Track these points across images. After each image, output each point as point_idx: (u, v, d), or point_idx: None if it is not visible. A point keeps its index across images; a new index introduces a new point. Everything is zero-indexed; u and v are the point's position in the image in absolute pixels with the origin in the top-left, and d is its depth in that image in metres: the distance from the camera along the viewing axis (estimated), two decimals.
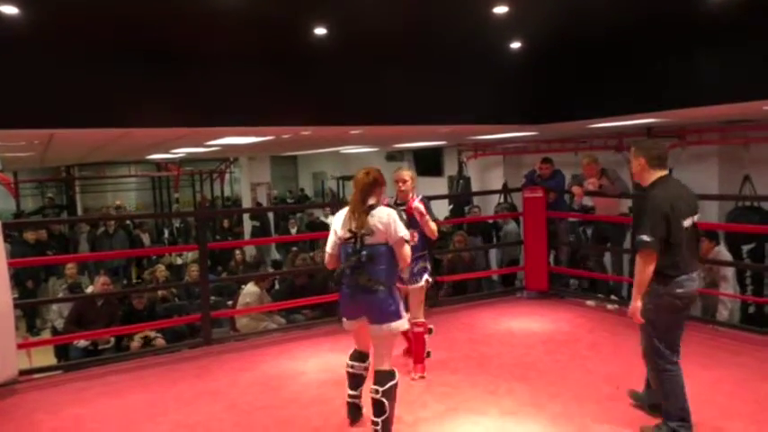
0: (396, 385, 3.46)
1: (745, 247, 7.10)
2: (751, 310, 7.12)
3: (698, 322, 5.78)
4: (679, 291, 3.43)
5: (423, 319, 4.57)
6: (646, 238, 3.34)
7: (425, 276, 4.54)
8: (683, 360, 4.72)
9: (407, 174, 4.53)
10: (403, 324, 3.50)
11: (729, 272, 6.05)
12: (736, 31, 4.85)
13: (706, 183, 7.96)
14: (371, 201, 3.49)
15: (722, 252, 6.06)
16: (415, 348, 4.59)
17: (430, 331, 4.64)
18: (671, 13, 4.83)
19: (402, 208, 3.95)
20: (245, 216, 14.17)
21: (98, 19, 4.27)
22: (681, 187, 3.58)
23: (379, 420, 3.38)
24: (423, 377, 4.51)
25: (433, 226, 4.40)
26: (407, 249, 3.44)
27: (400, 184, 4.49)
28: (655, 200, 3.43)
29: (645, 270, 3.39)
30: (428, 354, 4.63)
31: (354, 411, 3.74)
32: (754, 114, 6.80)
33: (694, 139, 8.27)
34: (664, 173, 3.54)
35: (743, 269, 6.95)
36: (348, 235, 3.44)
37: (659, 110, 5.70)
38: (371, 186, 3.50)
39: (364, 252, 3.38)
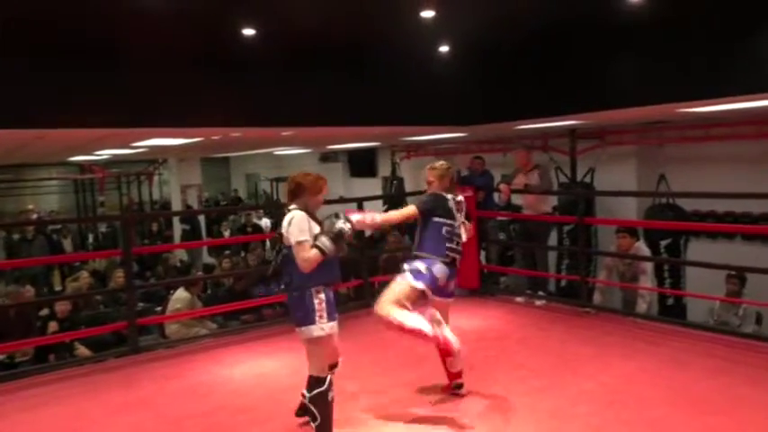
0: (324, 393, 3.31)
1: (663, 243, 7.52)
2: (669, 302, 7.54)
3: (618, 315, 6.07)
4: None
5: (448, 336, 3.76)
6: None
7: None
8: (604, 352, 4.95)
9: (429, 173, 4.02)
10: (314, 330, 3.27)
11: (649, 266, 6.36)
12: (652, 36, 5.12)
13: (625, 182, 8.39)
14: (293, 204, 3.43)
15: (641, 248, 6.37)
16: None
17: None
18: (591, 19, 5.06)
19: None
20: (175, 219, 13.78)
21: (15, 15, 4.06)
22: None
23: (313, 425, 3.35)
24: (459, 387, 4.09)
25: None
26: (304, 254, 3.23)
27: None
28: None
29: None
30: (457, 386, 4.10)
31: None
32: (669, 116, 7.21)
33: (614, 140, 8.67)
34: None
35: (660, 263, 7.35)
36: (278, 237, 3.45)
37: (579, 112, 5.96)
38: (290, 193, 3.46)
39: (280, 255, 3.39)
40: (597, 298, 6.49)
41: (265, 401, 4.18)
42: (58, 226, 14.22)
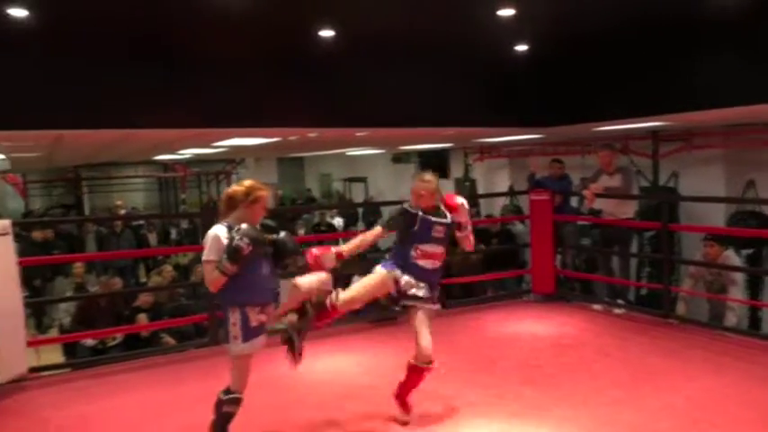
0: (223, 402, 3.33)
1: (744, 252, 7.06)
2: None
3: (703, 327, 5.76)
4: None
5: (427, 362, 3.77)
6: None
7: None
8: (688, 365, 4.71)
9: (420, 187, 3.82)
10: (231, 348, 3.31)
11: (739, 276, 6.00)
12: (740, 34, 4.85)
13: (712, 187, 7.94)
14: (227, 219, 3.34)
15: (731, 257, 5.99)
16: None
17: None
18: (675, 16, 4.83)
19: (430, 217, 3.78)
20: None
21: (107, 21, 4.31)
22: None
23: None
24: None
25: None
26: (207, 275, 3.24)
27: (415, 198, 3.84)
28: None
29: None
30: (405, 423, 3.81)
31: None
32: (759, 117, 6.79)
33: (701, 143, 8.24)
34: None
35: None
36: None
37: (662, 113, 5.71)
38: (224, 206, 3.40)
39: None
40: (681, 308, 6.18)
41: (341, 398, 4.23)
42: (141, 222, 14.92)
